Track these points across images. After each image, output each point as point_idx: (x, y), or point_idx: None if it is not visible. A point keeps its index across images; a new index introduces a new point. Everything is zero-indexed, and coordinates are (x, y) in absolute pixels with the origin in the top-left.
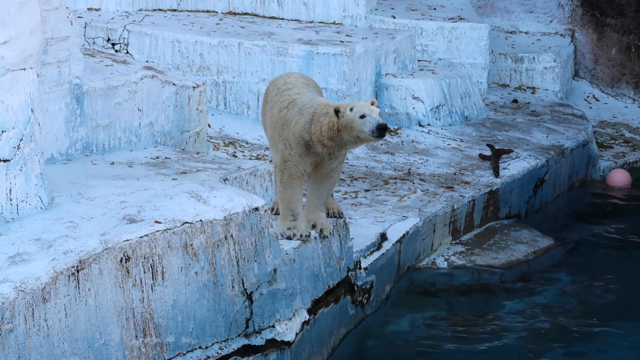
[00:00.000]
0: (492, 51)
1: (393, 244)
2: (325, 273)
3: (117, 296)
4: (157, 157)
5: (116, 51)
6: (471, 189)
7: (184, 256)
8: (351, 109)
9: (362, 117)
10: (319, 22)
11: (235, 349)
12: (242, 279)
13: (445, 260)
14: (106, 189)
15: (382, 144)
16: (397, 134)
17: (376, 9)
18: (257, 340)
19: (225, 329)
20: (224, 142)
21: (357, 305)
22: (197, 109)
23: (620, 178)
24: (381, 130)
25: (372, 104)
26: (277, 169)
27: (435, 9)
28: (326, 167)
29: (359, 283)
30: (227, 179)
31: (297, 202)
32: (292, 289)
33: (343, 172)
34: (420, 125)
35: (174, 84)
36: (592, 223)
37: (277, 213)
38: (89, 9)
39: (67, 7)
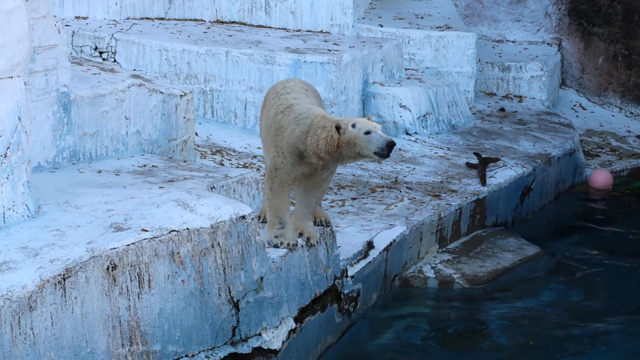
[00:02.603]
0: (480, 60)
1: (380, 252)
2: (312, 281)
3: (103, 304)
4: (145, 166)
5: (104, 59)
6: (458, 197)
7: (170, 264)
8: (353, 125)
9: (367, 133)
10: (307, 31)
11: (222, 357)
12: (229, 287)
13: (432, 268)
14: (93, 197)
15: None
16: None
17: (363, 18)
18: (244, 349)
19: (211, 337)
20: (211, 151)
21: (343, 314)
22: (185, 118)
23: (602, 178)
24: (390, 148)
25: (369, 119)
26: (267, 175)
27: (422, 17)
28: (317, 176)
29: (346, 291)
30: (214, 187)
31: (286, 210)
32: (279, 297)
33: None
34: (407, 133)
35: (161, 93)
36: (578, 231)
37: (264, 221)
38: (76, 18)
39: (54, 16)
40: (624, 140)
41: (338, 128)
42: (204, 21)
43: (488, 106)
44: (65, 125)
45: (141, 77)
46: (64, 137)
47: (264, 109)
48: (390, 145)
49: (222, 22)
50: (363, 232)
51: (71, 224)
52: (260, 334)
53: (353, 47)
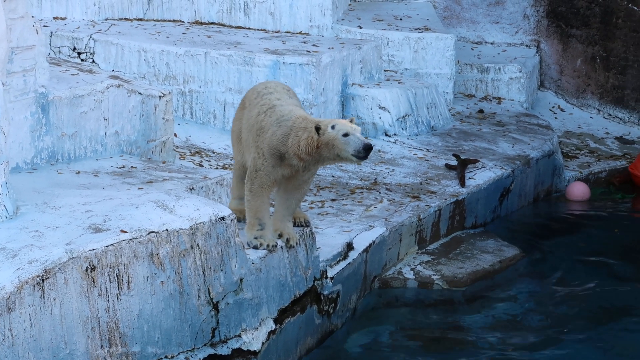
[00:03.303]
0: (458, 61)
1: (359, 254)
2: (291, 282)
3: (82, 306)
4: (123, 167)
5: (82, 60)
6: (437, 198)
7: (149, 265)
8: (333, 127)
9: (345, 135)
10: (286, 32)
11: (202, 358)
12: (208, 289)
13: (412, 269)
14: (72, 198)
15: None
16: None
17: (343, 19)
18: (224, 350)
19: (191, 338)
20: (190, 152)
21: (323, 315)
22: (164, 119)
23: (579, 191)
24: (367, 151)
25: (351, 121)
26: (247, 176)
27: (401, 19)
28: (298, 178)
29: (325, 292)
30: (193, 188)
31: (265, 212)
32: (259, 298)
33: None
34: (386, 135)
35: (140, 93)
36: (557, 233)
37: (242, 220)
38: (54, 18)
39: (32, 16)
40: (602, 141)
41: (318, 129)
42: (183, 22)
43: (467, 108)
44: (43, 126)
45: (120, 78)
46: (42, 138)
47: (242, 109)
48: (368, 148)
49: (201, 23)
50: (342, 233)
51: (50, 225)
52: (239, 335)
53: (332, 48)
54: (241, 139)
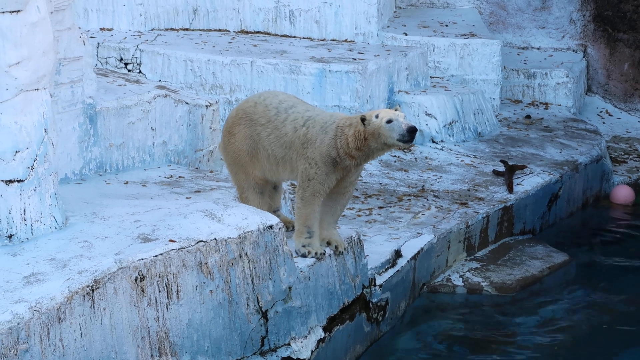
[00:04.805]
0: (505, 67)
1: (408, 261)
2: (340, 290)
3: (132, 315)
4: (171, 176)
5: (129, 71)
6: (485, 205)
7: (198, 275)
8: (377, 116)
9: (389, 122)
10: (331, 40)
11: None
12: (257, 297)
13: (460, 276)
14: (120, 209)
15: (395, 161)
16: (410, 150)
17: (388, 26)
18: (273, 359)
19: (240, 347)
20: None
21: (372, 323)
22: (211, 128)
23: (623, 194)
24: (411, 133)
25: (396, 109)
26: (299, 186)
27: (447, 25)
28: (345, 180)
29: (374, 300)
30: None
31: (315, 220)
32: (307, 306)
33: (357, 190)
34: (433, 141)
35: (187, 103)
36: (606, 239)
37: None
38: (101, 29)
39: (79, 28)
40: None
41: (363, 119)
42: (229, 31)
43: (514, 113)
44: (91, 136)
45: (166, 88)
46: (90, 149)
47: (250, 126)
48: (411, 130)
49: (247, 32)
50: (391, 240)
51: (99, 235)
52: (289, 344)
53: (378, 55)
54: (258, 156)
